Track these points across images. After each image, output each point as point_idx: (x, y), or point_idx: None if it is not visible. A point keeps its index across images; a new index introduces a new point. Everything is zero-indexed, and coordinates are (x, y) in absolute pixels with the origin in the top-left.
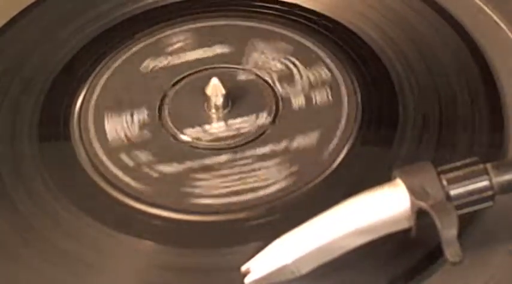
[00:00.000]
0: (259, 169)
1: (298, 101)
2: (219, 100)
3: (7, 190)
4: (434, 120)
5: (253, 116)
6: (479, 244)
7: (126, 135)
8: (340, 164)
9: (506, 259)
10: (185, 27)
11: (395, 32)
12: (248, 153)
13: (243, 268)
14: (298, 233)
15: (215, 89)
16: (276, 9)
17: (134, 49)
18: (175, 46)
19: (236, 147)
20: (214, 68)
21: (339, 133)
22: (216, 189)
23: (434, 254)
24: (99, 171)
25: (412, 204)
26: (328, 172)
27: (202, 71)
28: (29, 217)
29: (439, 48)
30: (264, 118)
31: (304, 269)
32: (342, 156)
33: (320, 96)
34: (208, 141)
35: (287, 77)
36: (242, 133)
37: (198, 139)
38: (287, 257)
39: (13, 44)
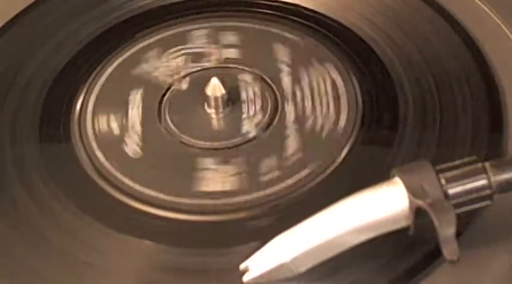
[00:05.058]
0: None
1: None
2: (219, 100)
3: (7, 190)
4: (434, 119)
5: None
6: (479, 244)
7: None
8: (340, 164)
9: (506, 259)
10: (185, 28)
11: (395, 31)
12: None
13: (242, 266)
14: (297, 231)
15: (215, 89)
16: (276, 9)
17: (134, 49)
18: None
19: (236, 146)
20: (214, 68)
21: (339, 133)
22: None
23: (434, 254)
24: (99, 171)
25: (411, 202)
26: (328, 172)
27: (201, 71)
28: (29, 217)
29: (439, 48)
30: (263, 119)
31: (303, 268)
32: (342, 156)
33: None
34: (207, 141)
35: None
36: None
37: (197, 138)
38: (285, 255)
39: (13, 44)
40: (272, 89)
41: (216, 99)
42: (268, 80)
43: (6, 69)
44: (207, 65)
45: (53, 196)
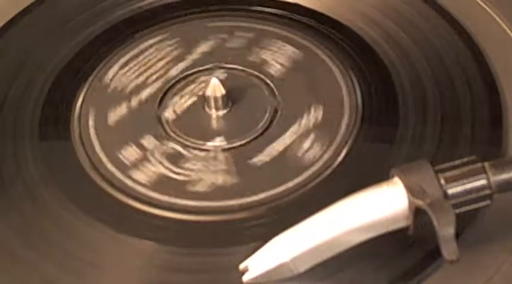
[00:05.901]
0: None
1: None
2: (219, 101)
3: (7, 189)
4: (434, 119)
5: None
6: (479, 244)
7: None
8: (340, 164)
9: (506, 259)
10: (185, 28)
11: (395, 31)
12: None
13: (241, 266)
14: (296, 231)
15: (215, 89)
16: (276, 9)
17: (134, 49)
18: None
19: (236, 147)
20: (214, 68)
21: (339, 133)
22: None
23: (434, 254)
24: (99, 171)
25: (410, 202)
26: (328, 171)
27: (202, 71)
28: (29, 217)
29: (440, 47)
30: (262, 119)
31: (302, 267)
32: (342, 155)
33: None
34: (207, 141)
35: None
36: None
37: (197, 139)
38: (285, 255)
39: (13, 44)
40: (272, 89)
41: (216, 99)
42: (268, 80)
43: (7, 69)
44: (206, 65)
45: (52, 195)
